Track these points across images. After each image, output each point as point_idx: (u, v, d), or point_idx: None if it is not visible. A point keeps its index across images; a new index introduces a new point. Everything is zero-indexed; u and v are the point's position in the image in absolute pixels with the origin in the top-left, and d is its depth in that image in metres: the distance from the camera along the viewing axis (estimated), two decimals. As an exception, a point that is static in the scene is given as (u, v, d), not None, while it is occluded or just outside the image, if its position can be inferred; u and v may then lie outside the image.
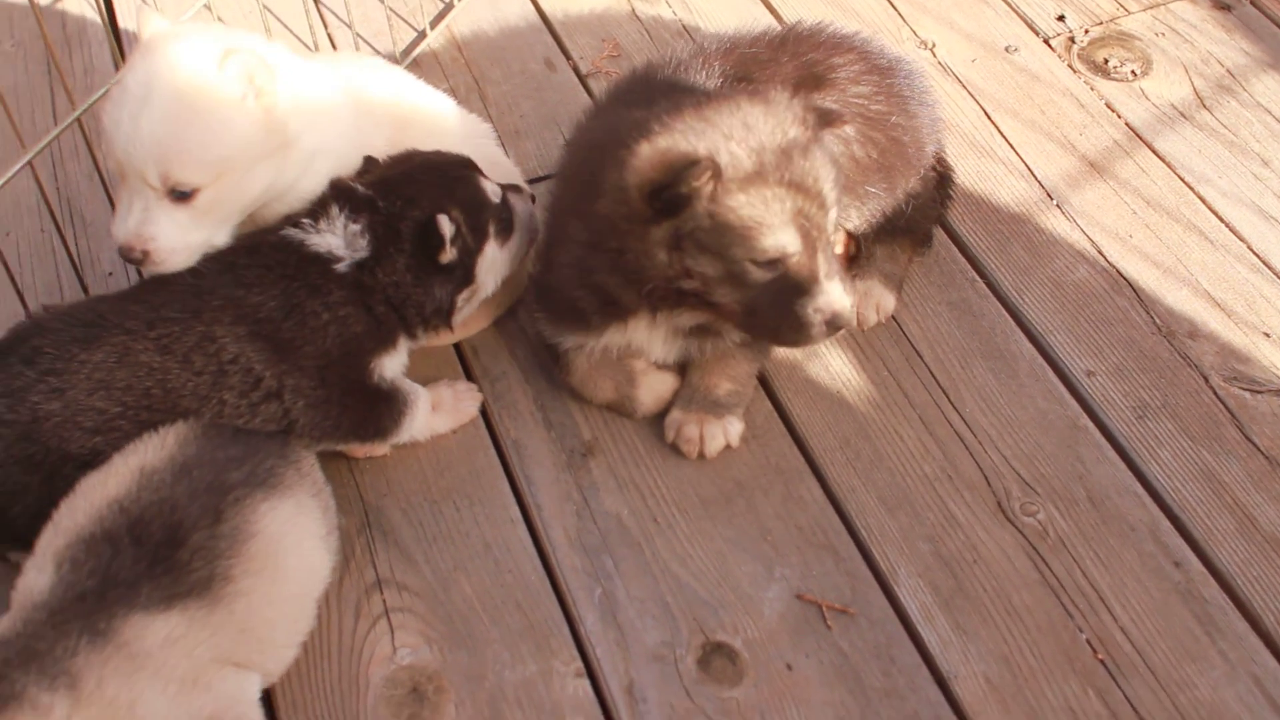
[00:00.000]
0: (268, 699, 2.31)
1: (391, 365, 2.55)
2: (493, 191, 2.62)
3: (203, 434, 2.34)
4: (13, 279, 2.82)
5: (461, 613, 2.41)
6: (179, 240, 2.43)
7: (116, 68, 2.82)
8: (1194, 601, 2.37)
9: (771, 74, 2.68)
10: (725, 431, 2.62)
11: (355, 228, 2.48)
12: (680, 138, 2.32)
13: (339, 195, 2.51)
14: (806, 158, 2.33)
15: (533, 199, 2.77)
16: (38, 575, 2.13)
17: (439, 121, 2.84)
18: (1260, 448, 2.58)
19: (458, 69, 3.48)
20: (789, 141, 2.33)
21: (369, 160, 2.61)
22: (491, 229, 2.60)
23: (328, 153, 2.56)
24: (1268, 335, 2.76)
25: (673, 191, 2.28)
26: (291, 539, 2.28)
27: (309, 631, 2.33)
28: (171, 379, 2.37)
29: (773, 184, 2.30)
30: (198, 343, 2.38)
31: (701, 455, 2.61)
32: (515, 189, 2.73)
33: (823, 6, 3.59)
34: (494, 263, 2.64)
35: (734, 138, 2.31)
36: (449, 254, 2.51)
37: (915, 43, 3.49)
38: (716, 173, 2.28)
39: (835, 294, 2.38)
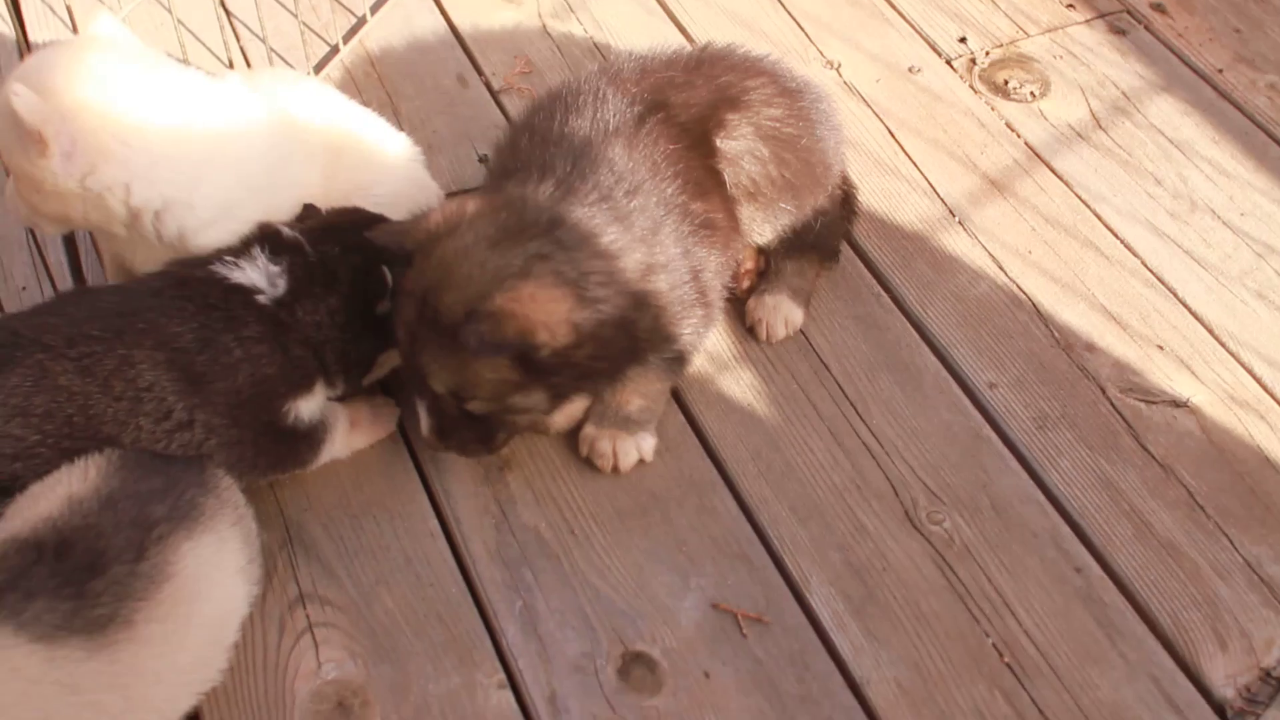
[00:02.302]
0: (193, 718, 2.31)
1: (308, 407, 2.53)
2: None
3: (122, 465, 2.30)
4: (-75, 294, 2.81)
5: (385, 626, 2.43)
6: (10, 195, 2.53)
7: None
8: (1094, 605, 2.47)
9: (687, 98, 2.74)
10: (638, 447, 2.67)
11: (275, 269, 2.46)
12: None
13: (263, 238, 2.50)
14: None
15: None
16: None
17: (374, 146, 2.84)
18: (1155, 456, 2.69)
19: (371, 84, 3.50)
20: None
21: (308, 208, 2.62)
22: None
23: (182, 209, 2.52)
24: (1161, 348, 2.87)
25: None
26: (208, 582, 2.25)
27: (209, 683, 2.28)
28: (93, 404, 2.33)
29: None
30: (117, 366, 2.35)
31: (615, 470, 2.65)
32: None
33: (731, 26, 3.66)
34: None
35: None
36: (386, 305, 2.52)
37: (821, 63, 3.57)
38: None
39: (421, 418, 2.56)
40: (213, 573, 2.27)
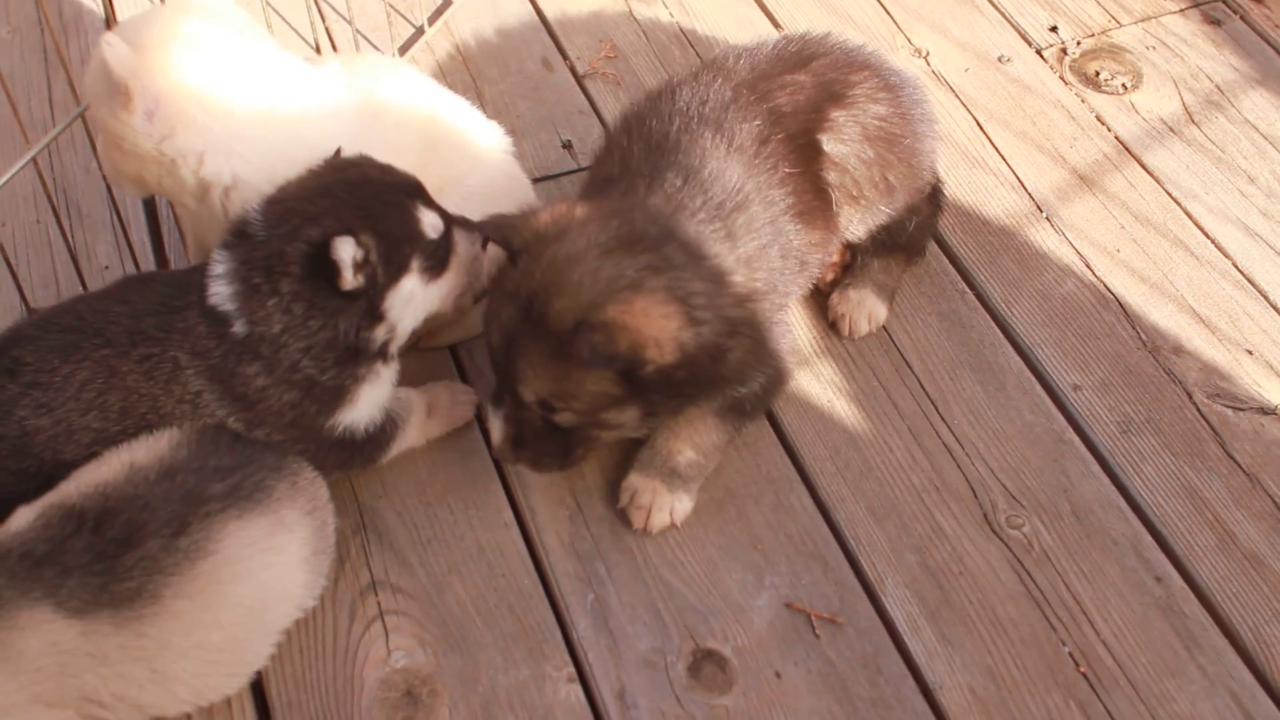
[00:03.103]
0: (262, 698, 2.34)
1: (358, 415, 2.46)
2: (431, 225, 2.42)
3: (197, 439, 2.30)
4: (12, 270, 2.83)
5: (455, 616, 2.44)
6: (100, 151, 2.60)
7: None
8: (1174, 616, 2.42)
9: (793, 95, 2.69)
10: (673, 508, 2.55)
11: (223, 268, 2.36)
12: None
13: (228, 238, 2.39)
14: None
15: (484, 244, 2.56)
16: (24, 515, 2.17)
17: (467, 137, 2.80)
18: (1241, 465, 2.63)
19: (455, 67, 3.50)
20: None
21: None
22: (415, 263, 2.40)
23: (250, 189, 2.47)
24: (1250, 352, 2.81)
25: None
26: (252, 564, 2.23)
27: (248, 664, 2.29)
28: (161, 405, 2.33)
29: None
30: (172, 370, 2.33)
31: (645, 529, 2.55)
32: (465, 225, 2.51)
33: (818, 11, 3.62)
34: (413, 298, 2.43)
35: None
36: (349, 282, 2.31)
37: (910, 51, 3.52)
38: None
39: (495, 427, 2.52)
40: (260, 555, 2.25)
